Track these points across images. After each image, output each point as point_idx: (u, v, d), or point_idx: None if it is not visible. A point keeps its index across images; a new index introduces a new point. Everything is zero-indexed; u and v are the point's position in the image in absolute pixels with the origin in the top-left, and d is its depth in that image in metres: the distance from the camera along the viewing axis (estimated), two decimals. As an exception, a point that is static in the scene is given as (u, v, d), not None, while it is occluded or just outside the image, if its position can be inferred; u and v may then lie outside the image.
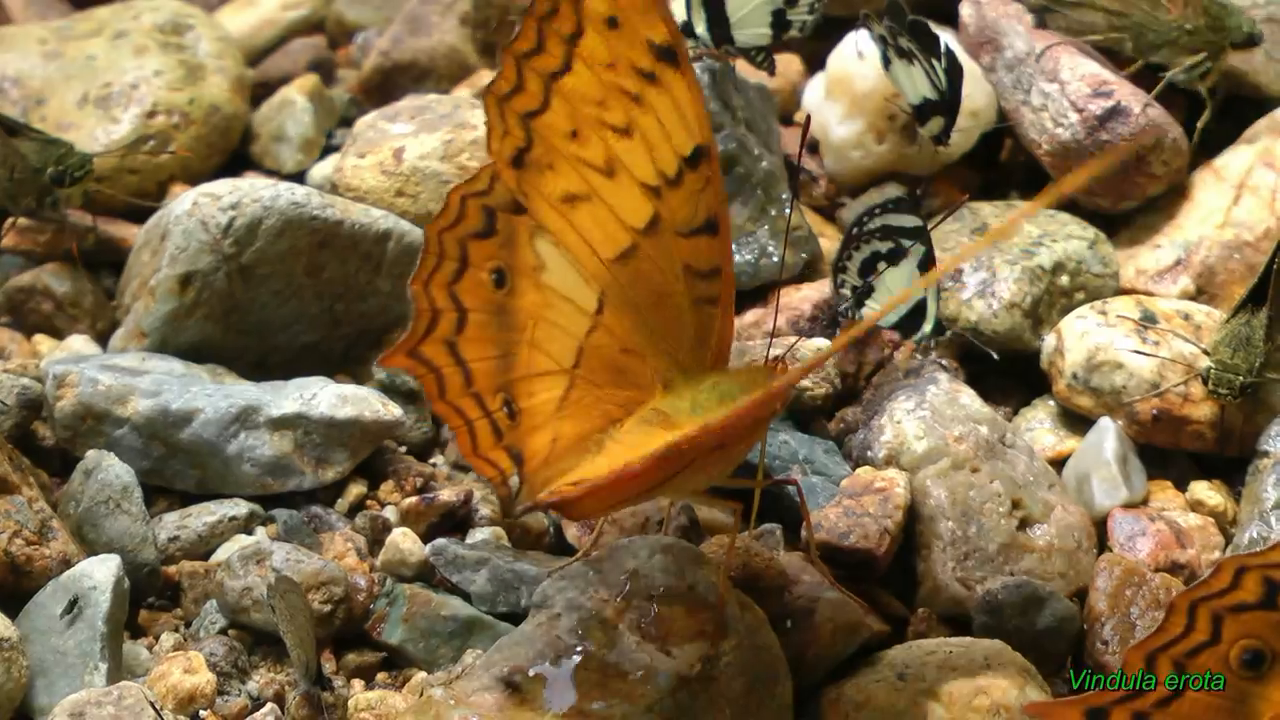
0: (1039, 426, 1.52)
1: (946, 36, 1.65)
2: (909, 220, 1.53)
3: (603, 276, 1.27)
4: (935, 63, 1.59)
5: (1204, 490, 1.48)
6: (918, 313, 1.51)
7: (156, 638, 1.37)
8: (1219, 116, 1.66)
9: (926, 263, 1.52)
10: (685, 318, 1.26)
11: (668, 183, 1.24)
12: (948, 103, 1.60)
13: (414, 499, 1.43)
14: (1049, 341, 1.54)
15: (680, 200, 1.24)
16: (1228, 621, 1.14)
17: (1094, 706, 1.16)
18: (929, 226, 1.53)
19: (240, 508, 1.43)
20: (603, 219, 1.26)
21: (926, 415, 1.43)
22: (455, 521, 1.43)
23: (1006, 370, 1.54)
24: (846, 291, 1.54)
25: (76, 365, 1.46)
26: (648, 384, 1.27)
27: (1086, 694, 1.17)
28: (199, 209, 1.51)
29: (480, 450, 1.26)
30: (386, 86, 1.78)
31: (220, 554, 1.40)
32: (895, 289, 1.52)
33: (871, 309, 1.53)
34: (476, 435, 1.26)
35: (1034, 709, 1.22)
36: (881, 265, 1.53)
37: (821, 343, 1.51)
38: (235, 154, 1.73)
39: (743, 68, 1.64)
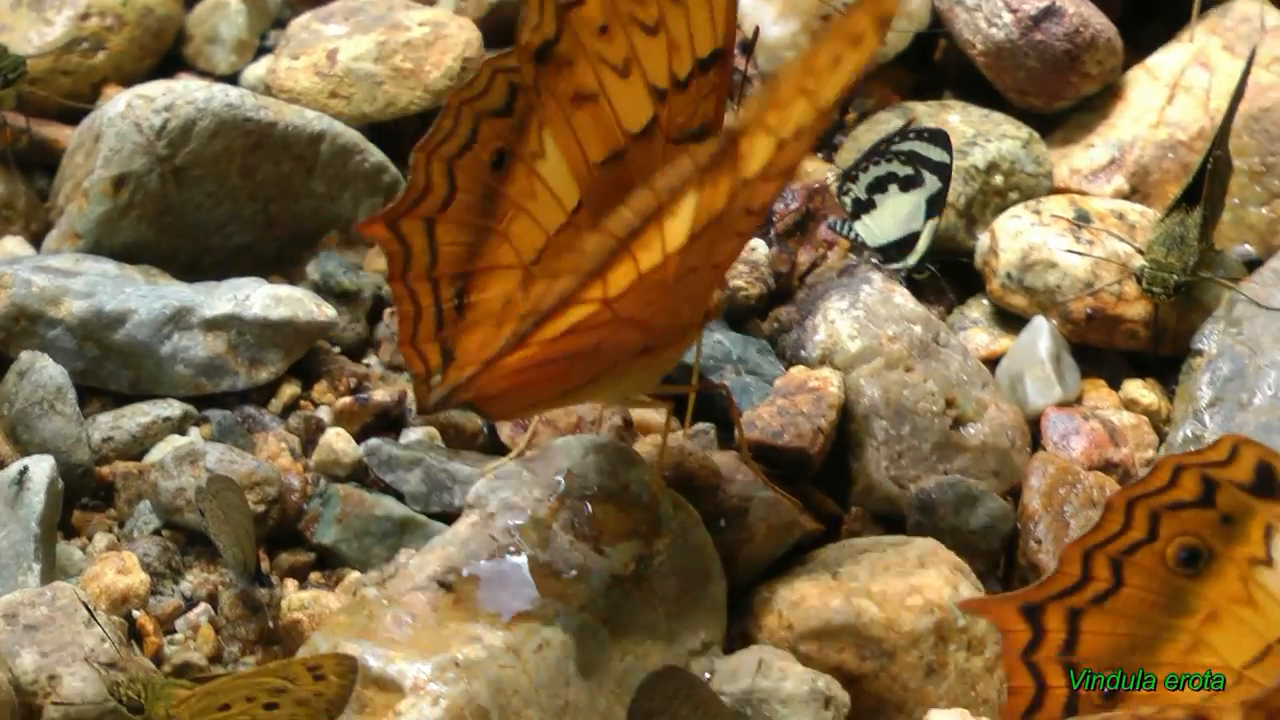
0: (973, 326, 1.51)
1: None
2: (938, 154, 1.51)
3: (585, 179, 1.24)
4: None
5: (1138, 389, 1.47)
6: (907, 244, 1.50)
7: (90, 538, 1.35)
8: (1151, 15, 1.65)
9: (938, 201, 1.50)
10: None
11: (676, 85, 1.22)
12: None
13: (348, 399, 1.41)
14: (983, 241, 1.53)
15: (681, 105, 1.22)
16: (1165, 519, 1.13)
17: (1029, 603, 1.15)
18: (951, 164, 1.51)
19: (174, 408, 1.41)
20: (602, 120, 1.23)
21: (860, 315, 1.42)
22: (389, 422, 1.41)
23: (941, 270, 1.53)
24: (847, 200, 1.52)
25: (10, 267, 1.44)
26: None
27: (1021, 590, 1.17)
28: (133, 111, 1.49)
29: (417, 341, 1.24)
30: (321, -13, 1.75)
31: (154, 455, 1.39)
32: (895, 215, 1.51)
33: (865, 226, 1.51)
34: (420, 324, 1.24)
35: (968, 605, 1.22)
36: (893, 188, 1.51)
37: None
38: (169, 56, 1.70)
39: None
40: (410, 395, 1.41)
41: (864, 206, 1.52)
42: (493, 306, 1.24)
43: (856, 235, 1.51)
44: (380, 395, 1.42)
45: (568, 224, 1.25)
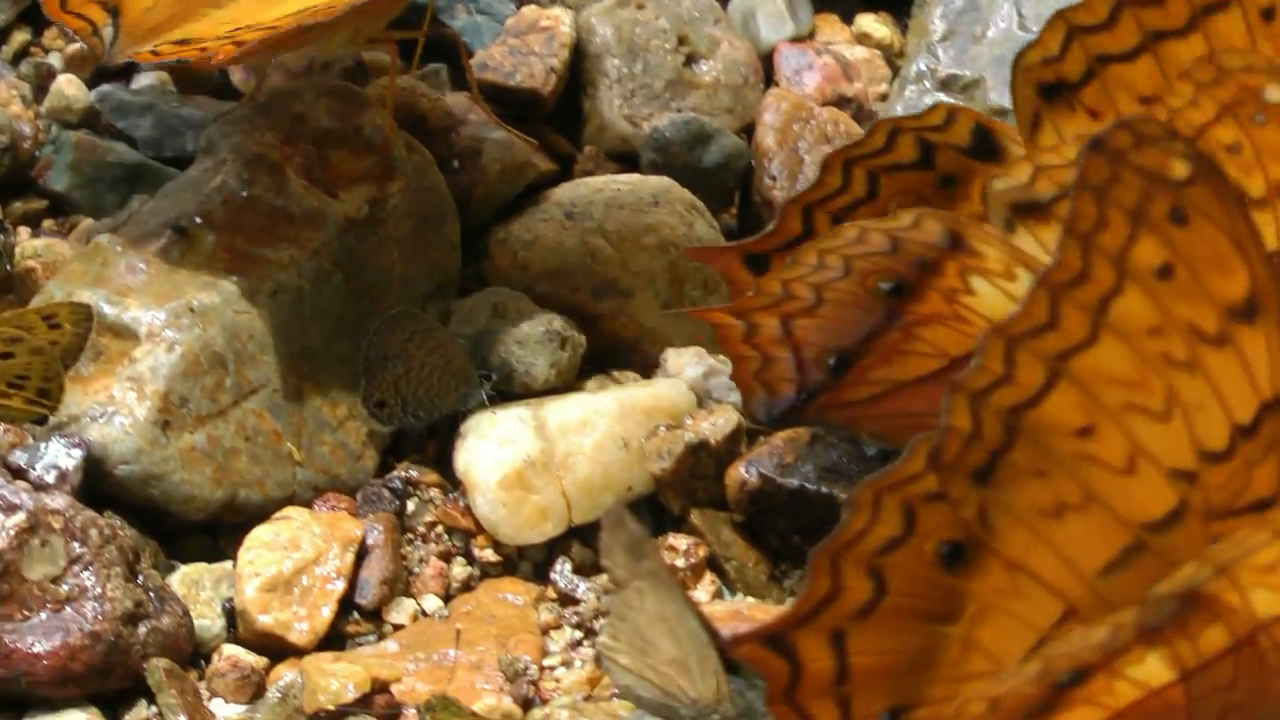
0: (705, -39, 1.49)
1: None
2: None
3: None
4: None
5: (870, 23, 1.47)
6: None
7: None
8: None
9: None
10: None
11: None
12: None
13: (78, 45, 1.37)
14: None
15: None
16: (884, 180, 1.14)
17: (753, 252, 1.16)
18: None
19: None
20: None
21: (591, -49, 1.40)
22: (121, 68, 1.37)
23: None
24: None
25: None
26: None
27: (745, 240, 1.17)
28: None
29: (70, 5, 1.20)
30: None
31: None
32: None
33: None
34: None
35: (694, 254, 1.23)
36: None
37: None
38: None
39: None
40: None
41: None
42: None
43: None
44: (109, 39, 1.37)
45: None
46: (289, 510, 1.18)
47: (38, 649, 1.08)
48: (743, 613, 1.10)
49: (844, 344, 1.09)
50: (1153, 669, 0.78)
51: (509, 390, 1.24)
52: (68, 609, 1.09)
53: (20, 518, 1.10)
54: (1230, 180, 0.85)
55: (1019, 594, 0.88)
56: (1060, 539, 0.87)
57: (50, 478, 1.14)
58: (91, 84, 1.36)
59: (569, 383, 1.25)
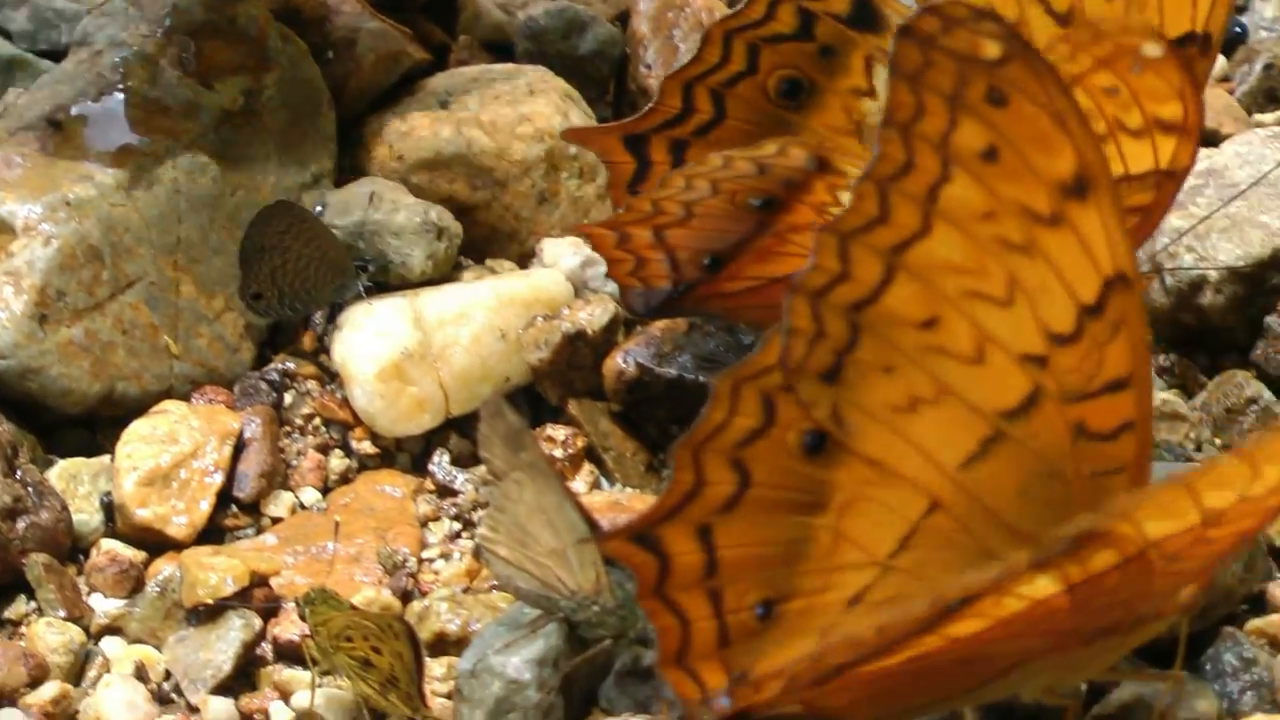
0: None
1: None
2: None
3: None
4: None
5: (746, -90, 1.46)
6: None
7: None
8: None
9: None
10: None
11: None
12: None
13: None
14: None
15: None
16: (765, 52, 1.13)
17: (632, 133, 1.15)
18: None
19: None
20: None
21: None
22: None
23: None
24: None
25: None
26: None
27: (626, 120, 1.16)
28: None
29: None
30: None
31: None
32: None
33: None
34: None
35: (571, 135, 1.22)
36: None
37: None
38: None
39: None
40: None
41: None
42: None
43: None
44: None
45: None
46: (166, 404, 1.18)
47: (-85, 546, 1.08)
48: (621, 503, 1.10)
49: (717, 248, 1.09)
50: (1041, 585, 0.78)
51: (386, 281, 1.24)
52: (-55, 505, 1.09)
53: (-105, 414, 1.09)
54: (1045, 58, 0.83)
55: (885, 484, 0.88)
56: (917, 433, 0.87)
57: (-75, 373, 1.13)
58: (-36, -24, 1.33)
59: (446, 273, 1.25)
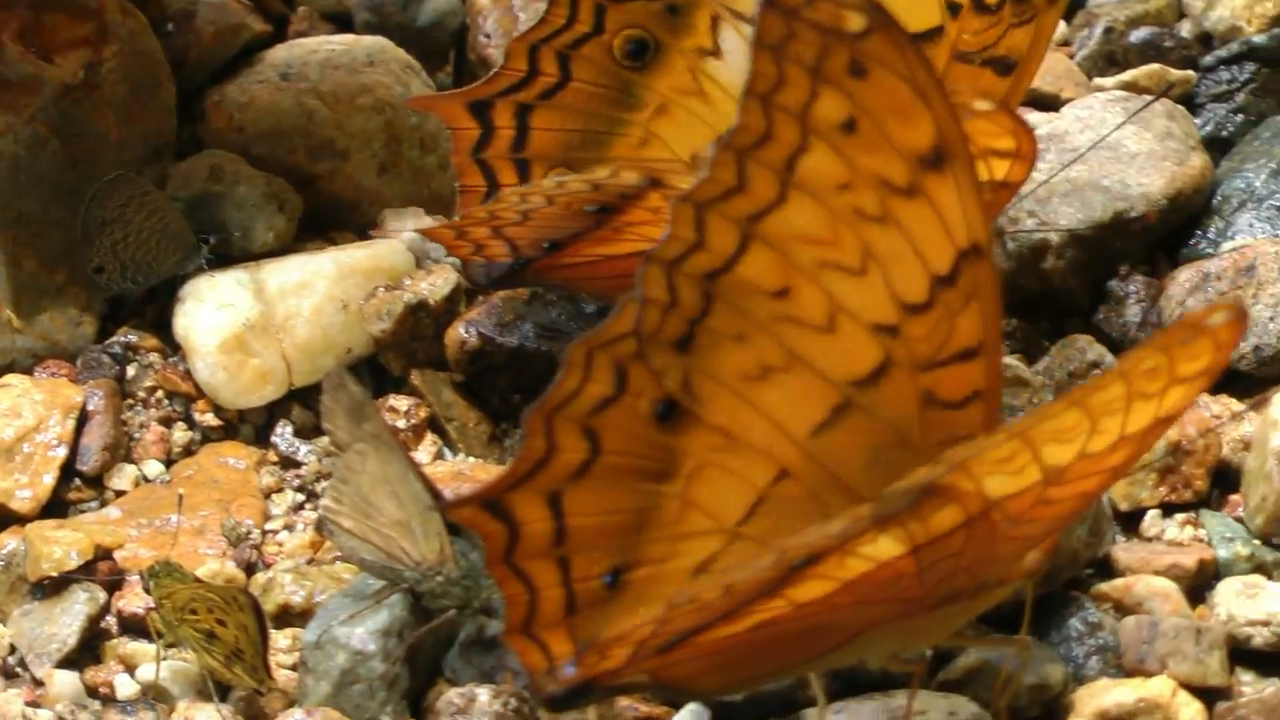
0: None
1: None
2: None
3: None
4: None
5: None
6: None
7: None
8: None
9: None
10: None
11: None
12: None
13: None
14: None
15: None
16: (611, 12, 1.12)
17: (477, 99, 1.14)
18: None
19: None
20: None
21: None
22: None
23: None
24: None
25: None
26: None
27: (471, 86, 1.16)
28: None
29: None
30: None
31: None
32: None
33: None
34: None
35: (416, 103, 1.21)
36: None
37: None
38: None
39: None
40: None
41: None
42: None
43: None
44: None
45: None
46: (9, 378, 1.17)
47: None
48: (465, 473, 1.11)
49: (555, 238, 1.09)
50: (884, 546, 0.79)
51: (227, 253, 1.23)
52: None
53: None
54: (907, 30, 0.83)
55: (734, 452, 0.88)
56: (767, 401, 0.88)
57: None
58: None
59: (287, 245, 1.24)
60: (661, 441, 0.88)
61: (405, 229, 1.24)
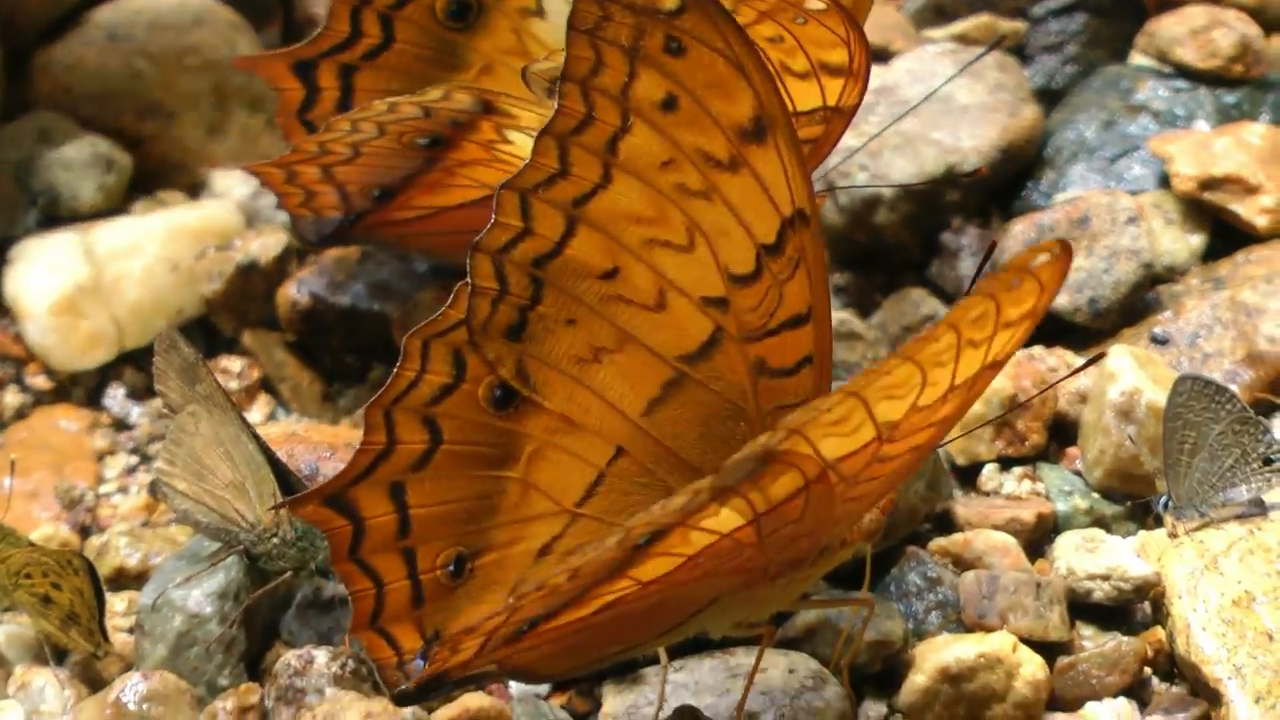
0: None
1: None
2: None
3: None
4: None
5: None
6: None
7: None
8: None
9: None
10: None
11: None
12: None
13: None
14: None
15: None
16: None
17: (301, 60, 1.12)
18: None
19: None
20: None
21: None
22: None
23: None
24: None
25: None
26: None
27: (295, 46, 1.13)
28: None
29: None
30: None
31: None
32: None
33: None
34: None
35: (241, 63, 1.19)
36: None
37: None
38: None
39: None
40: None
41: None
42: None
43: None
44: None
45: None
46: None
47: None
48: (298, 433, 1.09)
49: (385, 181, 1.08)
50: (726, 518, 0.78)
51: (56, 215, 1.20)
52: None
53: None
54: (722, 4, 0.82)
55: (571, 434, 0.87)
56: (600, 382, 0.87)
57: None
58: None
59: (117, 206, 1.22)
60: (500, 427, 0.87)
61: (234, 188, 1.22)
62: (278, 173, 1.09)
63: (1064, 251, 0.75)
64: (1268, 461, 1.00)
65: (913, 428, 0.79)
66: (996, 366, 0.79)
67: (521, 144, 1.02)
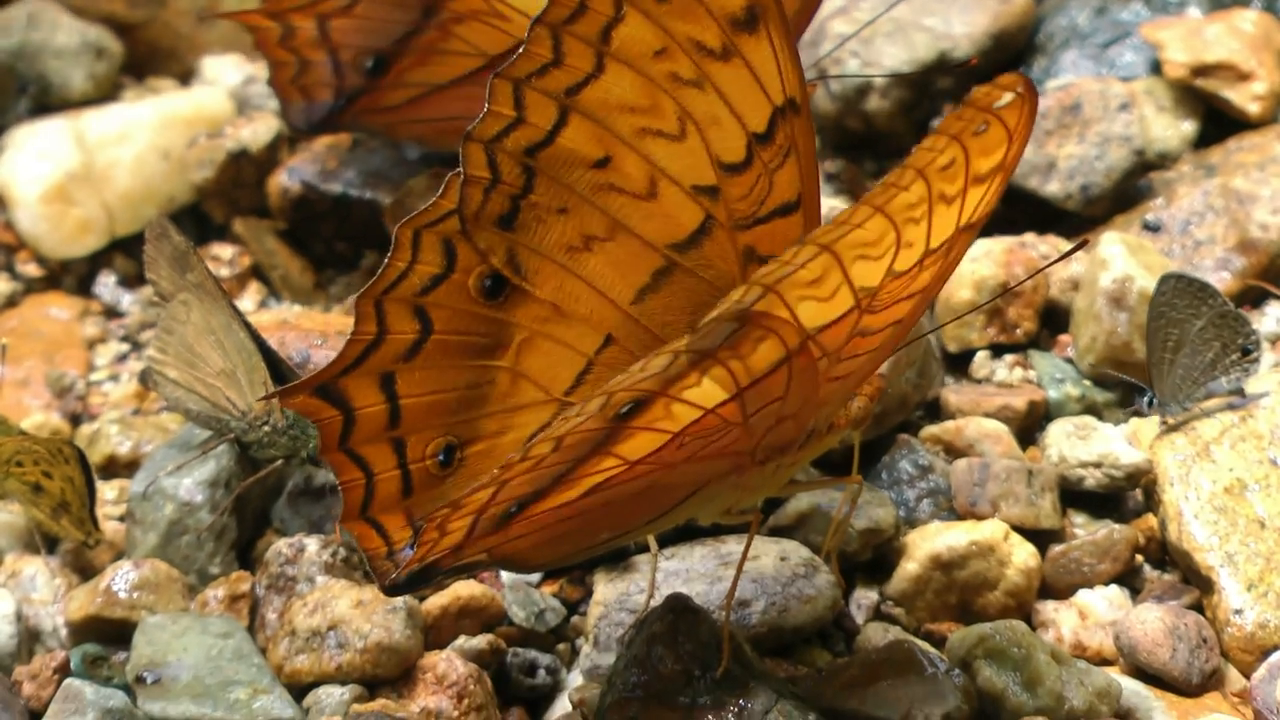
0: None
1: None
2: None
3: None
4: None
5: None
6: None
7: None
8: None
9: None
10: None
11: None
12: None
13: None
14: None
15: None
16: None
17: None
18: None
19: None
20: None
21: None
22: None
23: None
24: None
25: None
26: None
27: None
28: None
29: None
30: None
31: None
32: None
33: None
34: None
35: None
36: None
37: None
38: None
39: None
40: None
41: None
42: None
43: None
44: None
45: None
46: None
47: None
48: (289, 321, 1.06)
49: (380, 44, 1.05)
50: (708, 390, 0.76)
51: (47, 103, 1.17)
52: None
53: None
54: None
55: (561, 322, 0.85)
56: (591, 271, 0.85)
57: None
58: None
59: (107, 94, 1.19)
60: (491, 317, 0.85)
61: (225, 75, 1.19)
62: (274, 28, 1.06)
63: (1028, 91, 0.72)
64: (1245, 352, 0.98)
65: (892, 296, 0.77)
66: (972, 229, 0.77)
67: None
